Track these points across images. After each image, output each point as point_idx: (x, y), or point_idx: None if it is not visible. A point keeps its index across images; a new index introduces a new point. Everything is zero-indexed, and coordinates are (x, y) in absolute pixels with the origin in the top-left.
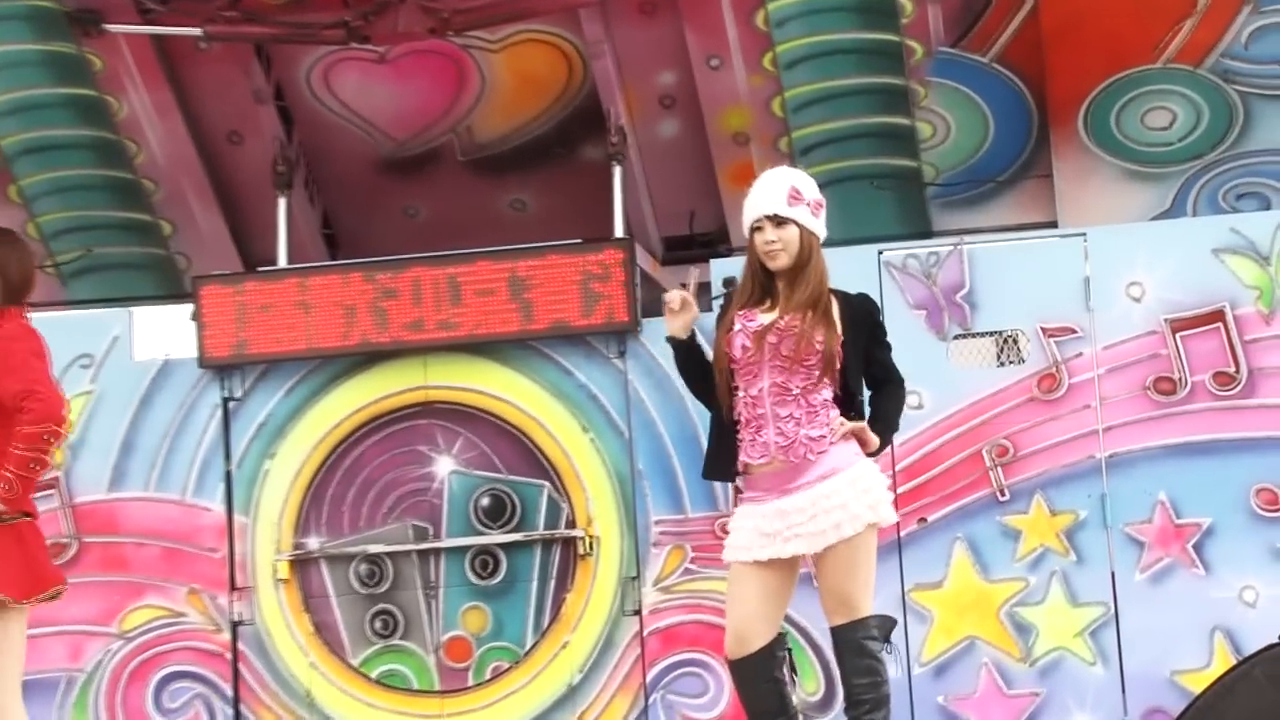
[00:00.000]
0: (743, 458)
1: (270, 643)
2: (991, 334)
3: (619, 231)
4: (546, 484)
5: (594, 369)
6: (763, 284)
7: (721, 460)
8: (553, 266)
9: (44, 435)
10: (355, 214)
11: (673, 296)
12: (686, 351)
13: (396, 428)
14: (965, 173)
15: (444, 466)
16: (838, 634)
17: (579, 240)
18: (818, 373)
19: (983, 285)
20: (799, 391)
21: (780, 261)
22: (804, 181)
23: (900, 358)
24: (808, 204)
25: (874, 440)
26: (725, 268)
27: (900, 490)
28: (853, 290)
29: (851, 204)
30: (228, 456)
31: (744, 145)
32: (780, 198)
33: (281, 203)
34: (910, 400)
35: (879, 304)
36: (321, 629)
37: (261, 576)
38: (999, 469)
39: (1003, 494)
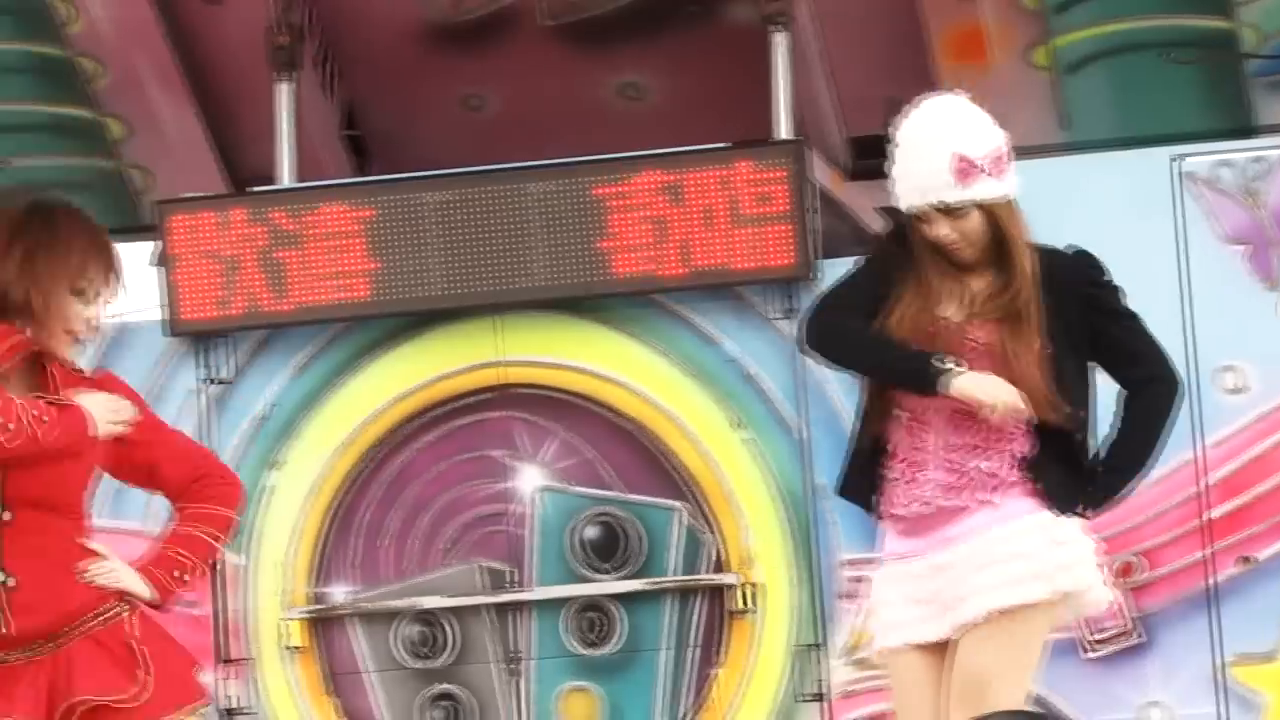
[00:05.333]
0: (889, 507)
1: None
2: None
3: (784, 131)
4: (682, 506)
5: (749, 336)
6: (936, 269)
7: (865, 480)
8: (685, 183)
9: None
10: (393, 107)
11: None
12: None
13: (458, 423)
14: None
15: (529, 480)
16: None
17: (724, 145)
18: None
19: None
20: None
21: (967, 255)
22: (971, 133)
23: (1211, 314)
24: (984, 167)
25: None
26: None
27: (1214, 514)
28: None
29: (1133, 86)
30: None
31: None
32: (944, 177)
33: (283, 91)
34: (1226, 381)
35: (1099, 265)
36: (356, 719)
37: (264, 644)
38: None
39: None
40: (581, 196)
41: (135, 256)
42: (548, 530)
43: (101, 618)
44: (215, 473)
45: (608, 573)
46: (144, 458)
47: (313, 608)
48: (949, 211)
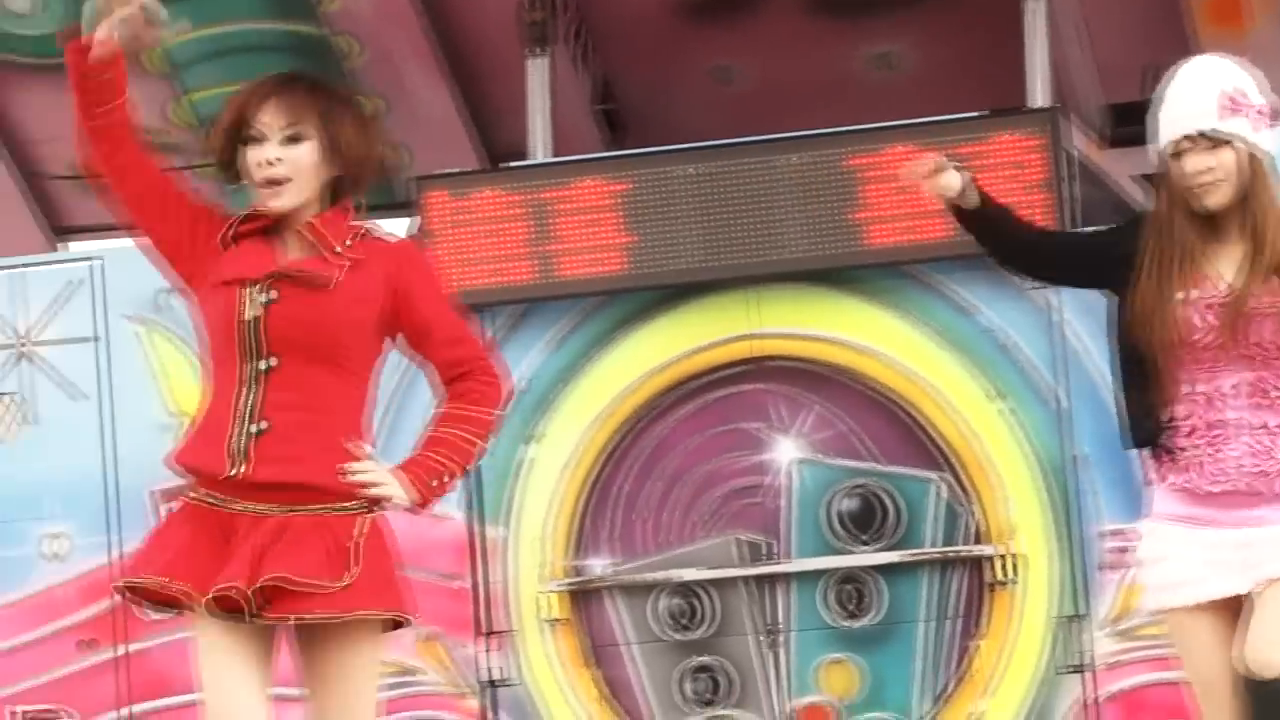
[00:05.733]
0: (1181, 478)
1: (539, 711)
2: None
3: (1039, 99)
4: (939, 478)
5: (1006, 306)
6: (1183, 233)
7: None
8: (939, 153)
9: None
10: (646, 81)
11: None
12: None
13: (714, 396)
14: None
15: (785, 452)
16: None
17: (978, 114)
18: None
19: None
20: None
21: (1219, 196)
22: (1241, 79)
23: None
24: (1253, 111)
25: None
26: None
27: None
28: None
29: None
30: None
31: None
32: (1210, 106)
33: (536, 67)
34: None
35: None
36: (615, 691)
37: (525, 616)
38: None
39: None
40: (835, 168)
41: (395, 231)
42: (805, 502)
43: (338, 507)
44: (481, 368)
45: (865, 544)
46: (421, 318)
47: (571, 580)
48: (1208, 143)
